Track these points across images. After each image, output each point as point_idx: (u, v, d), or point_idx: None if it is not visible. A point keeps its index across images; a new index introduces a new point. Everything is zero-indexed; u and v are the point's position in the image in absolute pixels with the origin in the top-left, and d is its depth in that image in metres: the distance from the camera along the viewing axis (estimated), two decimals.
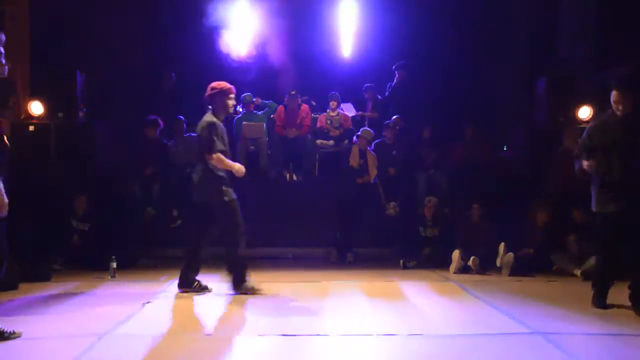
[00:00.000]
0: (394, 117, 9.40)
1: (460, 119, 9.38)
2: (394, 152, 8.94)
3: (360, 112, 10.10)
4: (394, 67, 9.91)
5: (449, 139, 9.30)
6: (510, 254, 6.85)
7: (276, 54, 9.85)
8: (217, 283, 5.89)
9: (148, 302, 5.07)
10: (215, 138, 5.36)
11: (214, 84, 5.60)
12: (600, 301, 4.95)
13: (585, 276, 6.48)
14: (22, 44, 8.52)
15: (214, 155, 5.36)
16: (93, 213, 7.63)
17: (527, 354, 3.66)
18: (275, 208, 8.52)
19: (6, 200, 3.89)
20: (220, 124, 5.51)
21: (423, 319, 4.60)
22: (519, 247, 7.02)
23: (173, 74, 9.83)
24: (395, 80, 9.92)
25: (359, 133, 8.69)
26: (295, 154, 9.32)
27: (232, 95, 5.62)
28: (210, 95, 5.55)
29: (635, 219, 4.75)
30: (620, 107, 4.85)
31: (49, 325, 4.31)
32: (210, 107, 5.57)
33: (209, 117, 5.51)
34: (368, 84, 10.12)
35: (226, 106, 5.57)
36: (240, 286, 5.51)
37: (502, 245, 7.01)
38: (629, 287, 4.90)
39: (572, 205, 7.13)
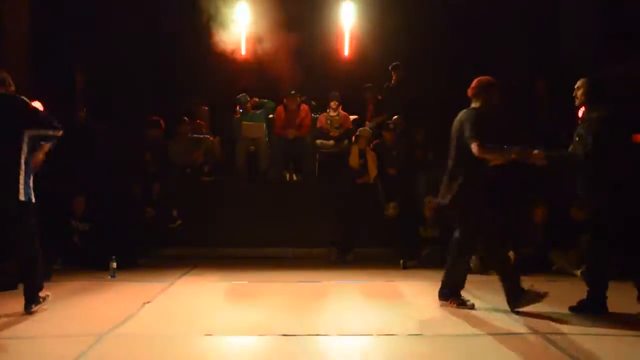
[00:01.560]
0: (394, 117, 9.41)
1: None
2: (394, 153, 8.95)
3: (368, 124, 9.91)
4: (390, 68, 9.92)
5: (448, 139, 9.28)
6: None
7: (276, 53, 9.86)
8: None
9: (148, 302, 5.07)
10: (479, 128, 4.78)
11: (481, 79, 5.18)
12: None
13: (586, 276, 6.47)
14: (22, 44, 8.52)
15: (475, 144, 4.77)
16: (93, 213, 7.63)
17: (527, 354, 3.66)
18: (275, 208, 8.52)
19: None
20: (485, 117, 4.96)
21: (423, 319, 4.60)
22: (518, 247, 7.01)
23: (207, 108, 9.99)
24: (392, 81, 9.93)
25: (358, 133, 8.69)
26: (295, 154, 9.32)
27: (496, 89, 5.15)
28: (479, 88, 5.11)
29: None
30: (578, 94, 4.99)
31: (49, 325, 4.31)
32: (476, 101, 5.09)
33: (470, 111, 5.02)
34: (368, 84, 10.12)
35: (493, 99, 5.06)
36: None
37: None
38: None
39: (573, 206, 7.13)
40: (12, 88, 4.70)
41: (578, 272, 6.61)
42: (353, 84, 10.38)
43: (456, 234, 4.99)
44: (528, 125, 9.35)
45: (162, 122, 8.83)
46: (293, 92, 9.37)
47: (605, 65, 8.54)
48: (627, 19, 8.39)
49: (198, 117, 9.76)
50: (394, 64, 9.86)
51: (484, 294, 5.53)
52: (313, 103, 10.22)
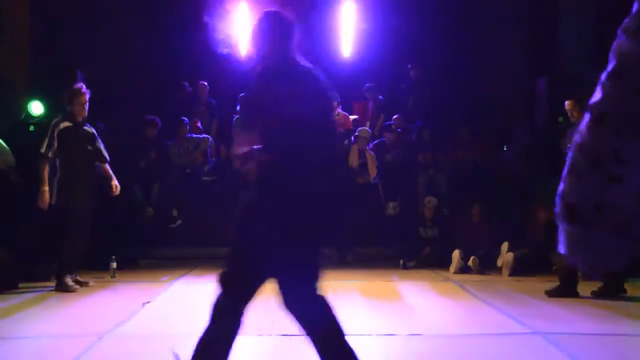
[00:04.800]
0: (394, 117, 9.41)
1: (460, 118, 9.38)
2: (394, 152, 8.96)
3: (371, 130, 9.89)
4: (409, 67, 9.96)
5: (449, 139, 9.31)
6: (510, 254, 6.86)
7: None
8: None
9: (148, 302, 5.07)
10: None
11: None
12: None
13: (586, 276, 6.48)
14: (22, 44, 8.51)
15: None
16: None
17: (527, 354, 3.66)
18: None
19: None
20: None
21: (423, 319, 4.60)
22: (518, 247, 7.02)
23: (187, 84, 9.90)
24: (411, 80, 9.99)
25: (358, 133, 8.69)
26: None
27: None
28: None
29: None
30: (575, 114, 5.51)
31: (49, 325, 4.31)
32: None
33: None
34: (369, 84, 10.12)
35: None
36: None
37: (505, 245, 7.01)
38: None
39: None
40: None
41: (578, 272, 6.60)
42: (353, 84, 10.38)
43: None
44: (527, 124, 9.38)
45: (158, 121, 8.81)
46: None
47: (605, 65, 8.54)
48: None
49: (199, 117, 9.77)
50: (412, 63, 9.97)
51: (484, 294, 5.53)
52: None
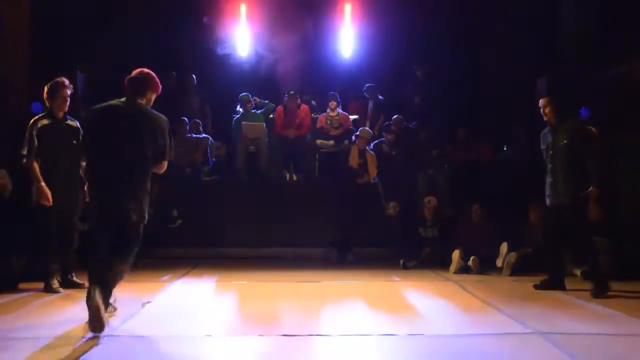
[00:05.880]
0: (394, 117, 9.41)
1: (460, 118, 9.38)
2: (394, 152, 8.96)
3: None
4: (415, 67, 9.97)
5: (448, 139, 9.32)
6: (513, 254, 6.87)
7: (277, 53, 9.86)
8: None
9: (148, 302, 5.07)
10: None
11: None
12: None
13: (586, 276, 6.48)
14: (22, 44, 8.52)
15: None
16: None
17: (527, 354, 3.66)
18: (275, 208, 8.52)
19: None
20: None
21: (423, 319, 4.60)
22: (518, 247, 7.03)
23: (174, 73, 9.84)
24: (419, 81, 10.01)
25: (358, 133, 8.69)
26: (295, 154, 9.31)
27: None
28: None
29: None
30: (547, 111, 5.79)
31: (49, 326, 4.31)
32: None
33: None
34: (369, 84, 10.12)
35: None
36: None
37: (504, 245, 7.03)
38: None
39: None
40: None
41: (578, 272, 6.61)
42: (353, 84, 10.39)
43: None
44: (527, 124, 9.38)
45: None
46: (293, 92, 9.37)
47: (605, 65, 8.55)
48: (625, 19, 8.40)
49: (199, 116, 9.76)
50: (420, 65, 10.01)
51: (484, 294, 5.53)
52: (313, 103, 10.22)
